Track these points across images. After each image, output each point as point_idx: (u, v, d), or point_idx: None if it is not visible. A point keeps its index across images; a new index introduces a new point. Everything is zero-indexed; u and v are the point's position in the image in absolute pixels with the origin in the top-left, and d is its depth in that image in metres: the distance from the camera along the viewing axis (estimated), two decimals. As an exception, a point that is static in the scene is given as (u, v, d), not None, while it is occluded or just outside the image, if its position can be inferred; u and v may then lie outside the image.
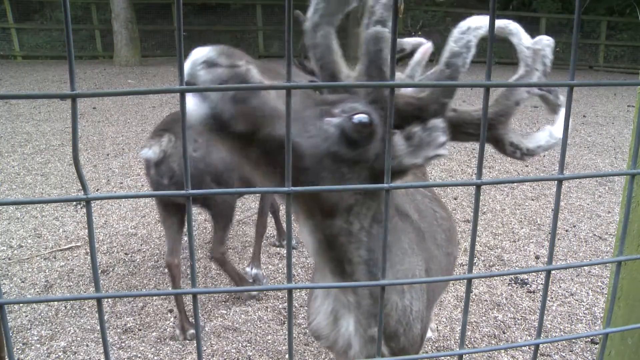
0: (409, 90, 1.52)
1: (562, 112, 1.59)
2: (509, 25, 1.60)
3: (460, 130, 1.49)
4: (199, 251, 5.11)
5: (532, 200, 6.48)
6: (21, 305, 4.15)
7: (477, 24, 1.40)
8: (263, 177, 1.45)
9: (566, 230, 5.70)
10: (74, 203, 6.07)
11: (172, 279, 3.92)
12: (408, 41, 1.98)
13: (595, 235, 5.61)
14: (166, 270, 4.75)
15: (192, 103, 1.22)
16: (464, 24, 1.41)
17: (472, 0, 21.24)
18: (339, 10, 1.51)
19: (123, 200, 6.18)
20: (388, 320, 1.81)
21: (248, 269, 4.61)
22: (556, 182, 0.71)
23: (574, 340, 3.87)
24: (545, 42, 1.54)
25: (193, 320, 3.93)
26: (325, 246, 1.61)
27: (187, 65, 1.22)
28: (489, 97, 0.67)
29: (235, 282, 4.39)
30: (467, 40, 1.38)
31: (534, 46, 1.53)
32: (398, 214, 1.96)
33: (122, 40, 16.19)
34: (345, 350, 1.84)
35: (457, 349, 3.75)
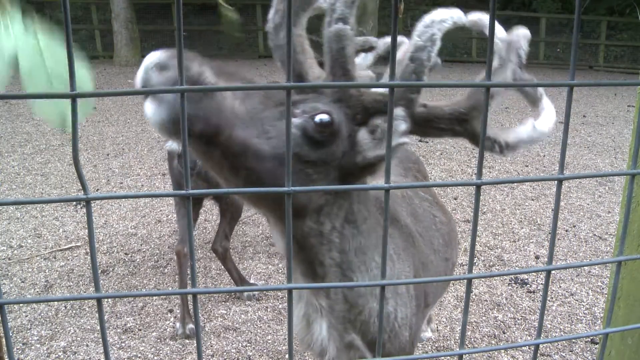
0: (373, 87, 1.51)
1: (545, 104, 1.55)
2: (482, 18, 1.57)
3: (432, 125, 1.47)
4: (199, 251, 5.11)
5: (532, 200, 6.48)
6: (21, 305, 4.15)
7: (441, 17, 1.38)
8: (226, 182, 1.45)
9: (566, 230, 5.70)
10: (74, 203, 6.07)
11: (178, 267, 3.98)
12: (385, 41, 1.94)
13: (595, 235, 5.61)
14: (166, 270, 4.75)
15: (150, 108, 1.24)
16: (428, 18, 1.39)
17: (471, 0, 21.24)
18: (302, 9, 1.49)
19: (123, 200, 6.18)
20: (368, 327, 1.77)
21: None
22: (556, 182, 0.71)
23: (574, 340, 3.87)
24: (521, 33, 1.51)
25: (189, 316, 3.94)
26: (296, 248, 1.60)
27: (141, 69, 1.23)
28: (489, 98, 0.67)
29: (234, 280, 4.40)
30: (431, 34, 1.36)
31: (509, 37, 1.49)
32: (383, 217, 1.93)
33: (122, 40, 16.18)
34: (321, 354, 1.82)
35: (457, 349, 3.75)
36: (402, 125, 1.37)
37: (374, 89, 1.46)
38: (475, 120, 1.45)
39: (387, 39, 1.93)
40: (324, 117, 1.37)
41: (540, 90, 1.57)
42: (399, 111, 1.37)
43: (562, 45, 19.98)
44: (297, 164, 1.40)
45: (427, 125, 1.46)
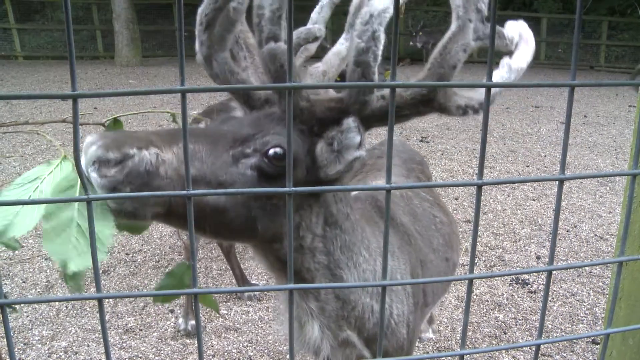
0: (324, 94, 1.45)
1: (518, 43, 1.40)
2: None
3: (395, 114, 1.41)
4: (200, 251, 5.11)
5: (533, 200, 6.48)
6: (22, 305, 4.15)
7: (379, 7, 1.23)
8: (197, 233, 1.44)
9: (567, 231, 5.70)
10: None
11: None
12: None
13: (596, 235, 5.61)
14: (167, 270, 4.75)
15: (95, 181, 1.16)
16: (365, 12, 1.24)
17: None
18: (226, 33, 1.42)
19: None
20: (364, 323, 1.76)
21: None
22: (557, 182, 0.71)
23: (575, 341, 3.87)
24: None
25: (192, 312, 3.94)
26: (279, 265, 1.61)
27: (82, 162, 1.16)
28: (490, 98, 0.67)
29: (236, 277, 4.41)
30: (372, 31, 1.23)
31: None
32: (382, 218, 1.93)
33: (123, 40, 16.20)
34: (316, 352, 1.82)
35: (458, 350, 3.75)
36: (356, 138, 1.33)
37: (325, 96, 1.42)
38: (440, 94, 1.35)
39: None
40: (277, 150, 1.35)
41: (508, 34, 1.41)
42: (351, 122, 1.33)
43: (564, 45, 19.96)
44: (261, 200, 1.39)
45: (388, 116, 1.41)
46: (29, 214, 0.98)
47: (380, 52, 1.25)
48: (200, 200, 1.30)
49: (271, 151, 1.35)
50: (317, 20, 1.73)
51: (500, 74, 1.35)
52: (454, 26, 1.33)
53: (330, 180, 1.43)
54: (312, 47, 1.72)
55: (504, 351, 3.78)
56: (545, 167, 7.89)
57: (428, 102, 1.36)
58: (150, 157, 1.22)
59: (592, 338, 3.88)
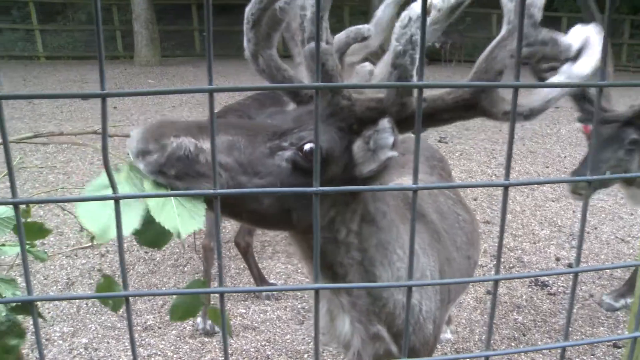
0: (367, 94, 1.48)
1: (584, 48, 1.30)
2: None
3: (435, 118, 1.43)
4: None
5: (553, 201, 6.42)
6: (44, 302, 4.21)
7: (418, 12, 1.23)
8: (230, 220, 1.51)
9: (587, 232, 5.63)
10: (95, 202, 6.13)
11: (204, 261, 4.04)
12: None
13: (617, 237, 5.54)
14: (185, 268, 4.78)
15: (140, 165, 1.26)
16: (404, 16, 1.26)
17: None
18: (273, 32, 1.48)
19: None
20: (394, 319, 1.79)
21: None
22: (585, 183, 0.70)
23: (595, 344, 3.82)
24: None
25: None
26: (312, 254, 1.63)
27: (130, 154, 1.26)
28: (517, 98, 0.66)
29: (254, 277, 4.42)
30: (410, 35, 1.25)
31: None
32: (409, 212, 1.95)
33: (143, 40, 16.33)
34: (346, 346, 1.85)
35: (477, 351, 3.72)
36: (389, 139, 1.35)
37: (366, 97, 1.45)
38: (485, 100, 1.35)
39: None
40: (311, 146, 1.39)
41: (567, 41, 1.39)
42: (386, 123, 1.35)
43: (584, 44, 19.70)
44: (295, 195, 1.43)
45: (430, 119, 1.43)
46: (129, 214, 1.04)
47: (417, 56, 1.26)
48: (238, 188, 1.35)
49: (306, 146, 1.39)
50: (382, 17, 1.76)
51: (557, 80, 1.30)
52: (503, 31, 1.32)
53: (365, 178, 1.46)
54: (375, 43, 1.75)
55: (523, 354, 3.75)
56: (565, 168, 7.81)
57: (471, 107, 1.37)
58: (188, 145, 1.28)
59: (614, 342, 3.83)
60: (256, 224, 1.54)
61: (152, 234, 1.17)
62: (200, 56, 17.95)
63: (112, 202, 0.68)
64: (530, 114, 1.31)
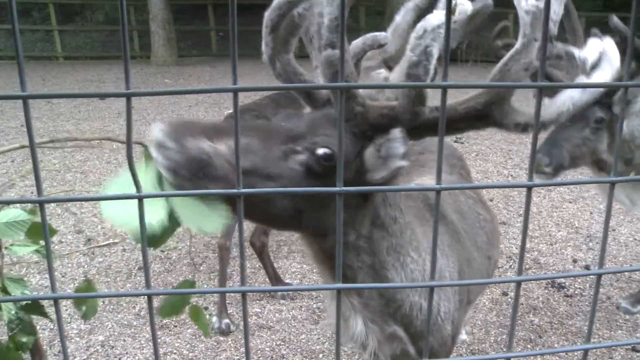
0: (380, 101, 1.50)
1: (600, 61, 1.31)
2: None
3: (448, 127, 1.43)
4: (234, 249, 5.16)
5: (570, 202, 6.36)
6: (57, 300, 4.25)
7: (433, 23, 1.26)
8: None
9: (606, 234, 5.57)
10: (112, 200, 6.18)
11: (220, 261, 4.06)
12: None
13: (635, 239, 5.47)
14: (201, 267, 4.81)
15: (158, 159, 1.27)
16: (419, 27, 1.28)
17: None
18: (290, 37, 1.50)
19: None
20: (411, 320, 1.80)
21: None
22: (609, 184, 0.70)
23: (613, 348, 3.78)
24: None
25: (225, 311, 3.98)
26: (322, 256, 1.66)
27: (151, 145, 1.27)
28: (542, 99, 0.66)
29: (269, 276, 4.43)
30: (424, 46, 1.27)
31: (535, 6, 1.29)
32: (434, 215, 1.95)
33: (159, 40, 16.43)
34: (363, 346, 1.86)
35: (493, 353, 3.70)
36: (400, 149, 1.37)
37: (380, 103, 1.47)
38: (497, 111, 1.38)
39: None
40: (325, 150, 1.41)
41: (580, 53, 1.42)
42: (397, 133, 1.37)
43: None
44: (307, 197, 1.45)
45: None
46: (154, 209, 1.07)
47: (431, 67, 1.28)
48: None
49: (319, 151, 1.41)
50: (401, 23, 1.77)
51: (570, 94, 1.29)
52: (518, 44, 1.33)
53: (375, 184, 1.47)
54: (392, 48, 1.77)
55: (539, 356, 3.72)
56: (583, 168, 7.72)
57: (483, 117, 1.39)
58: (204, 147, 1.29)
59: (633, 345, 3.79)
60: (267, 223, 1.57)
61: (151, 233, 1.19)
62: (216, 56, 18.02)
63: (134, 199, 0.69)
64: (543, 126, 1.36)
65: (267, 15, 1.46)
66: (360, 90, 1.45)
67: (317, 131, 1.45)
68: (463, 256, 2.09)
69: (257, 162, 1.38)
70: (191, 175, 1.26)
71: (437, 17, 1.27)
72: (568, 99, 1.29)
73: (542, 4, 1.26)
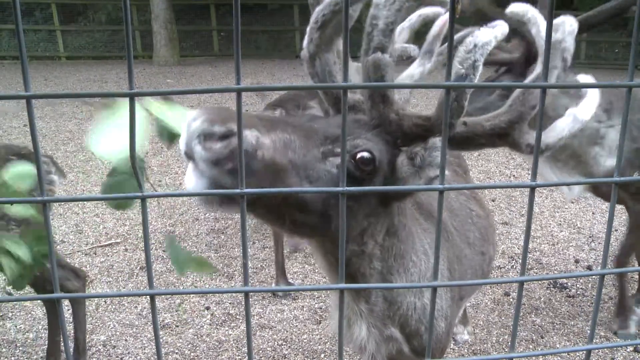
0: (412, 111, 1.50)
1: (584, 94, 1.49)
2: (527, 13, 1.48)
3: (472, 142, 1.46)
4: (236, 249, 5.16)
5: (572, 203, 6.35)
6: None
7: (484, 39, 1.30)
8: (272, 227, 1.50)
9: (608, 235, 5.56)
10: (114, 200, 6.19)
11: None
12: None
13: (638, 240, 5.46)
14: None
15: (192, 182, 1.17)
16: (469, 42, 1.31)
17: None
18: (336, 36, 1.48)
19: (161, 198, 6.28)
20: (407, 320, 1.82)
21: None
22: (613, 184, 0.70)
23: (615, 348, 3.78)
24: (568, 28, 1.40)
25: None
26: (337, 266, 1.66)
27: (184, 135, 1.18)
28: (544, 99, 0.66)
29: (277, 265, 4.45)
30: (473, 60, 1.30)
31: (554, 36, 1.39)
32: (422, 215, 1.99)
33: (161, 40, 16.44)
34: (362, 350, 1.89)
35: (495, 353, 3.69)
36: (439, 158, 1.37)
37: (413, 113, 1.47)
38: (516, 131, 1.43)
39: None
40: (365, 154, 1.40)
41: (581, 78, 1.57)
42: (437, 142, 1.37)
43: (605, 44, 19.50)
44: (338, 199, 1.44)
45: (467, 142, 1.46)
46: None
47: (476, 80, 1.31)
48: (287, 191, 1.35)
49: (360, 154, 1.40)
50: (404, 27, 1.80)
51: (564, 122, 1.44)
52: (538, 69, 1.43)
53: (404, 193, 1.50)
54: (412, 51, 1.80)
55: (541, 356, 3.71)
56: (585, 169, 7.71)
57: (504, 136, 1.43)
58: (251, 138, 1.24)
59: (635, 346, 3.78)
60: (296, 228, 1.50)
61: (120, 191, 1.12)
62: (218, 56, 18.03)
63: (122, 129, 0.68)
64: (545, 149, 1.44)
65: (320, 10, 1.43)
66: (396, 98, 1.45)
67: (355, 134, 1.43)
68: (452, 253, 2.11)
69: (297, 161, 1.35)
70: (232, 169, 1.18)
71: (486, 34, 1.31)
72: (565, 126, 1.44)
73: (558, 36, 1.38)
